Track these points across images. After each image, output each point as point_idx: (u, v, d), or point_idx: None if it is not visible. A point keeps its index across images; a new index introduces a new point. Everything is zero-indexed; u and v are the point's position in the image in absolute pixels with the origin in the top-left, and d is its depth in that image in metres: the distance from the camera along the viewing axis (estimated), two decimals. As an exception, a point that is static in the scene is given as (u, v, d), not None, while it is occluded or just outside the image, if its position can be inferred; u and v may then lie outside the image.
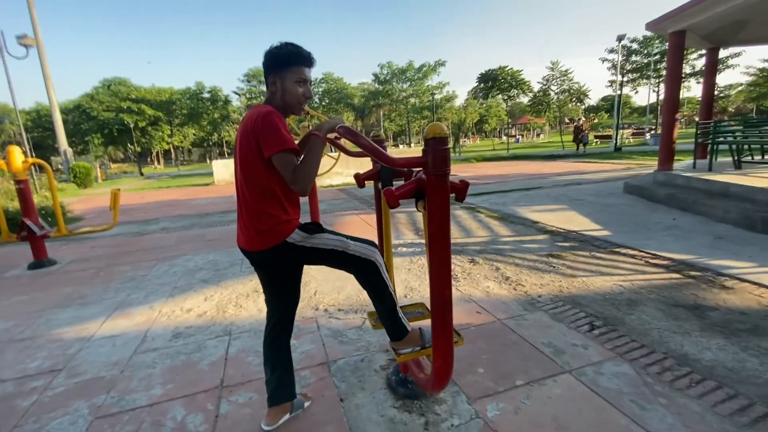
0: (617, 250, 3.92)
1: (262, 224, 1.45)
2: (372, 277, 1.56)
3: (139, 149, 38.23)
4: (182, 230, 6.37)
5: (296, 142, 1.54)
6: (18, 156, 4.34)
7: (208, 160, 49.24)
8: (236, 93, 36.90)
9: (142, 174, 30.21)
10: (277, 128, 1.36)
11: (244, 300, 3.14)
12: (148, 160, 48.44)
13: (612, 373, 1.95)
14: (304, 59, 1.48)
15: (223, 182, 15.15)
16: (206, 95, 42.20)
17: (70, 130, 34.50)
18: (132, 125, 33.87)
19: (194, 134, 45.90)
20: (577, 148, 21.18)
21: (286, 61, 1.46)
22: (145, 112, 37.49)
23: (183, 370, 2.19)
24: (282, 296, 1.66)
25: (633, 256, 3.70)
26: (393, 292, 1.63)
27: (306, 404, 1.80)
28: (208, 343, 2.47)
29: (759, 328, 2.31)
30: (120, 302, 3.29)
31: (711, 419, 1.61)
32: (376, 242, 1.70)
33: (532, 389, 1.85)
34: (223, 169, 15.53)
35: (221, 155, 50.00)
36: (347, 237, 1.56)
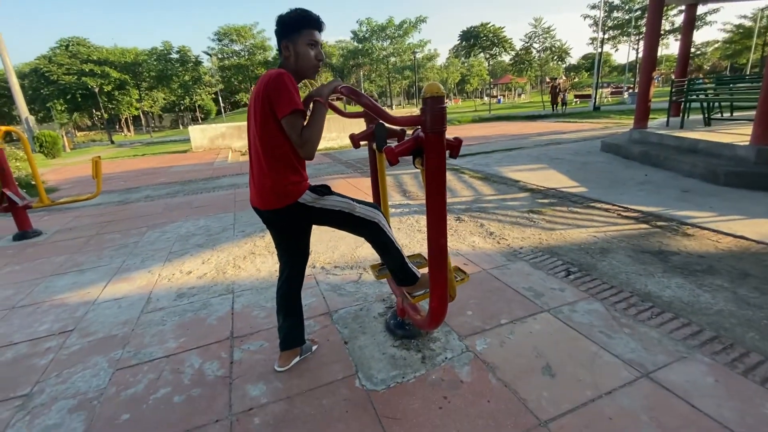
0: (592, 204, 4.17)
1: (276, 184, 1.54)
2: (377, 236, 1.72)
3: (106, 116, 36.25)
4: (167, 198, 6.32)
5: None
6: (-11, 124, 4.16)
7: (180, 126, 47.30)
8: (207, 53, 34.90)
9: (112, 142, 28.89)
10: (288, 90, 1.41)
11: (242, 261, 3.26)
12: (117, 127, 46.05)
13: (585, 310, 2.19)
14: (314, 22, 1.53)
15: (201, 149, 14.73)
16: (175, 56, 39.81)
17: (29, 96, 32.28)
18: (96, 89, 31.89)
19: (164, 98, 43.65)
20: (554, 108, 19.64)
21: (296, 26, 1.51)
22: (109, 75, 35.28)
23: (192, 325, 2.32)
24: (293, 252, 1.78)
25: (607, 210, 3.96)
26: (399, 247, 1.79)
27: (314, 348, 1.98)
28: (212, 301, 2.60)
29: (713, 268, 2.59)
30: (117, 268, 3.35)
31: (667, 343, 1.88)
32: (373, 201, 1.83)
33: (515, 326, 2.08)
34: (200, 135, 15.05)
35: (194, 120, 48.00)
36: (353, 200, 1.69)
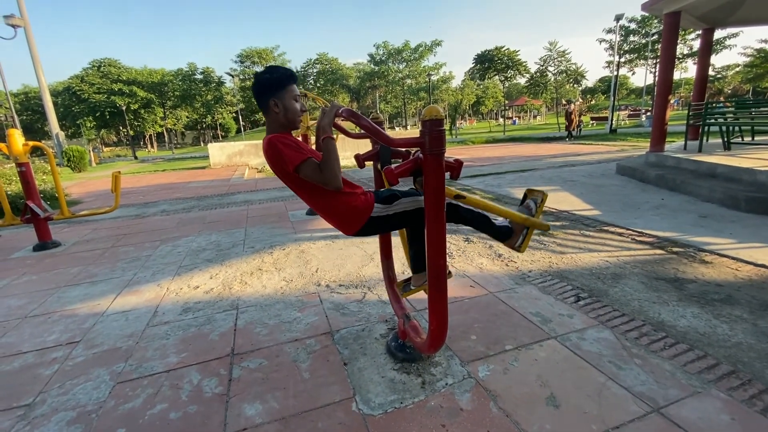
0: (606, 228, 4.08)
1: (343, 214, 1.68)
2: (456, 213, 1.82)
3: (132, 132, 37.75)
4: (182, 213, 6.46)
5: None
6: (19, 139, 4.38)
7: (202, 143, 48.80)
8: (230, 74, 36.25)
9: (136, 157, 29.94)
10: (286, 149, 1.54)
11: (249, 277, 3.28)
12: (141, 143, 47.82)
13: (594, 338, 2.12)
14: (295, 78, 1.65)
15: (219, 165, 15.13)
16: (199, 76, 41.49)
17: (61, 113, 33.95)
18: (124, 108, 33.35)
19: (187, 117, 45.28)
20: (570, 135, 18.17)
21: (282, 83, 1.62)
22: (137, 94, 36.90)
23: (195, 341, 2.33)
24: (402, 226, 1.87)
25: (620, 234, 3.86)
26: (478, 213, 1.87)
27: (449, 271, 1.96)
28: (216, 317, 2.61)
29: (732, 297, 2.48)
30: (128, 280, 3.41)
31: (680, 376, 1.78)
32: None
33: (520, 353, 2.02)
34: (219, 152, 15.48)
35: (215, 138, 49.50)
36: (413, 191, 1.79)
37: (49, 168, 10.33)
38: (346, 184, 1.72)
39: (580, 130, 19.26)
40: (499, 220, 1.93)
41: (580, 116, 19.05)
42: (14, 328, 2.65)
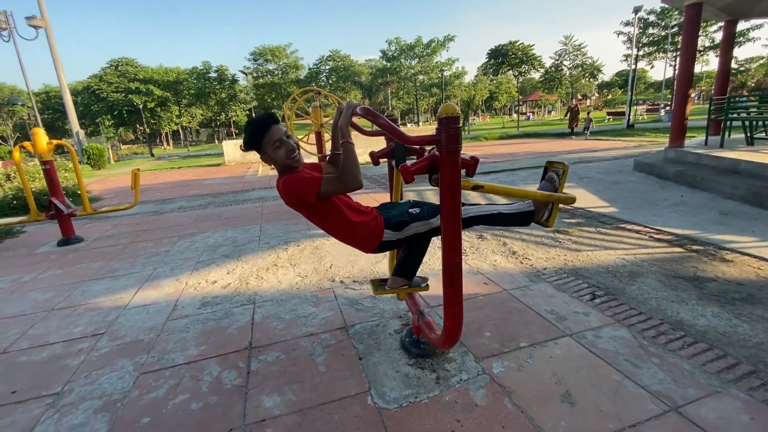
0: (623, 225, 4.02)
1: (357, 240, 1.77)
2: (470, 221, 1.85)
3: (148, 130, 38.49)
4: (199, 209, 6.59)
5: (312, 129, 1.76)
6: (43, 138, 4.52)
7: (216, 141, 49.43)
8: (243, 72, 36.61)
9: (152, 155, 30.54)
10: (298, 186, 1.59)
11: (265, 273, 3.34)
12: (158, 141, 48.72)
13: (610, 336, 2.10)
14: (266, 125, 1.64)
15: (233, 162, 15.33)
16: (213, 75, 42.00)
17: (81, 111, 34.81)
18: (141, 106, 34.02)
19: (202, 114, 45.96)
20: (572, 131, 17.06)
21: (257, 139, 1.64)
22: (153, 93, 37.57)
23: (214, 334, 2.39)
24: (415, 245, 1.92)
25: (638, 232, 3.80)
26: (489, 210, 1.89)
27: (423, 285, 2.02)
28: (234, 311, 2.67)
29: (754, 297, 2.43)
30: (148, 275, 3.51)
31: (699, 376, 1.76)
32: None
33: (535, 350, 2.02)
34: (233, 149, 15.67)
35: (229, 135, 50.09)
36: (426, 211, 1.81)
37: (71, 165, 10.63)
38: (358, 211, 1.78)
39: (587, 131, 16.95)
40: (514, 205, 1.89)
41: (578, 114, 17.47)
42: (41, 320, 2.76)
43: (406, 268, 1.95)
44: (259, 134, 1.64)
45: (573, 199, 1.73)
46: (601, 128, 20.54)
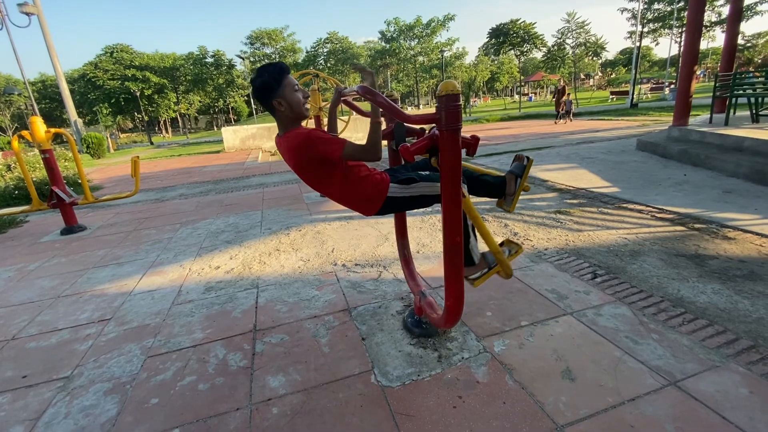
0: (624, 205, 4.00)
1: (360, 196, 1.71)
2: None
3: (146, 118, 38.20)
4: (200, 196, 6.59)
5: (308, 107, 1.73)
6: (41, 126, 4.50)
7: (215, 127, 49.10)
8: (240, 57, 36.05)
9: (152, 143, 30.38)
10: (325, 140, 1.56)
11: (267, 258, 3.36)
12: (156, 129, 48.40)
13: (610, 314, 2.12)
14: (287, 69, 1.63)
15: (232, 149, 15.25)
16: (210, 60, 41.40)
17: (77, 100, 34.51)
18: (138, 93, 33.67)
19: (200, 101, 45.52)
20: (558, 117, 15.21)
21: (278, 80, 1.60)
22: (150, 80, 37.15)
23: (218, 318, 2.42)
24: (420, 207, 1.87)
25: (640, 211, 3.78)
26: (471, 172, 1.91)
27: (514, 250, 1.94)
28: (238, 295, 2.70)
29: (755, 273, 2.43)
30: (152, 262, 3.54)
31: (698, 351, 1.78)
32: None
33: (536, 328, 2.04)
34: (232, 136, 15.57)
35: (227, 122, 49.71)
36: (432, 178, 1.78)
37: (70, 155, 10.60)
38: (362, 166, 1.74)
39: (571, 117, 15.23)
40: (474, 249, 1.87)
41: (563, 96, 15.23)
42: (49, 307, 2.80)
43: (416, 201, 1.83)
44: (278, 75, 1.59)
45: (509, 275, 1.76)
46: (605, 108, 20.26)
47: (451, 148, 1.34)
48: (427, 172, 1.83)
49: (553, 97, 16.26)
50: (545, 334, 1.99)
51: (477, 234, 1.90)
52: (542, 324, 2.07)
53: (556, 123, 14.86)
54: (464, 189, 1.63)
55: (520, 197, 4.64)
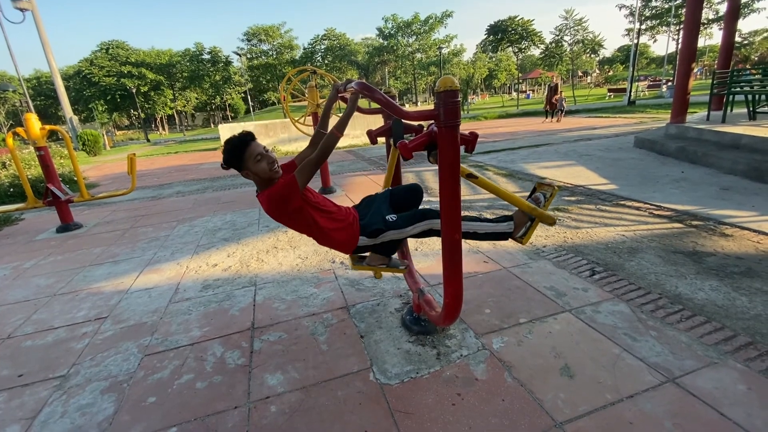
0: (622, 202, 4.01)
1: (335, 244, 1.82)
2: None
3: (143, 115, 37.99)
4: (197, 193, 6.56)
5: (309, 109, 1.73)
6: (36, 123, 4.45)
7: (212, 125, 48.89)
8: (237, 53, 35.83)
9: (148, 140, 30.22)
10: (283, 194, 1.62)
11: (265, 255, 3.34)
12: (153, 126, 48.15)
13: (609, 311, 2.12)
14: (245, 141, 1.64)
15: (230, 146, 15.16)
16: (206, 57, 41.14)
17: (73, 97, 34.22)
18: (134, 90, 33.43)
19: (196, 98, 45.25)
20: (547, 116, 14.91)
21: (238, 155, 1.63)
22: (146, 76, 36.89)
23: (216, 316, 2.41)
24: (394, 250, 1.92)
25: (638, 208, 3.79)
26: (474, 228, 1.84)
27: (402, 267, 1.96)
28: (236, 293, 2.69)
29: (752, 270, 2.44)
30: (149, 260, 3.52)
31: (696, 347, 1.79)
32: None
33: (534, 326, 2.04)
34: (230, 133, 15.42)
35: (224, 119, 49.49)
36: (403, 219, 1.80)
37: (66, 152, 10.53)
38: (335, 219, 1.80)
39: (563, 115, 14.79)
40: (492, 225, 1.85)
41: (562, 97, 14.58)
42: (44, 306, 2.78)
43: (386, 246, 1.88)
44: (239, 150, 1.64)
45: (553, 222, 1.75)
46: (603, 105, 20.28)
47: (450, 145, 1.33)
48: (395, 217, 1.82)
49: (546, 95, 15.50)
50: (544, 331, 1.99)
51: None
52: (541, 321, 2.07)
53: (544, 122, 14.36)
54: (472, 171, 1.64)
55: (519, 195, 4.66)
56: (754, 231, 3.02)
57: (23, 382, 1.94)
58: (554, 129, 11.95)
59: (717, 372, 1.62)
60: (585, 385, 1.60)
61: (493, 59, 45.79)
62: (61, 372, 1.99)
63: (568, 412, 1.48)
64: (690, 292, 2.25)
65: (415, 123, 1.93)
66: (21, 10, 14.98)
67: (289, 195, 1.62)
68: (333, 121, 1.81)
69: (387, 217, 1.82)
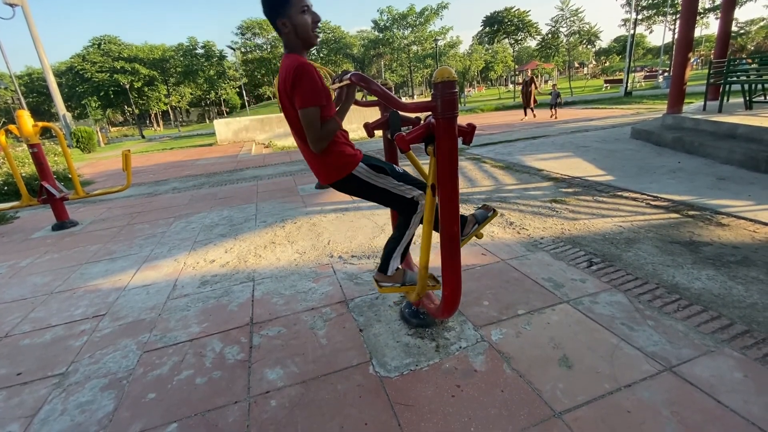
0: (619, 193, 4.01)
1: (332, 160, 1.64)
2: (404, 213, 1.79)
3: (137, 111, 37.64)
4: (193, 190, 6.52)
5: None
6: (28, 120, 4.40)
7: (207, 120, 48.52)
8: (231, 47, 35.46)
9: (143, 136, 29.99)
10: (312, 80, 1.43)
11: (262, 250, 3.33)
12: (147, 122, 47.76)
13: (606, 301, 2.13)
14: None
15: (225, 141, 15.08)
16: (200, 51, 40.72)
17: (66, 93, 33.85)
18: (127, 86, 33.08)
19: (191, 93, 44.85)
20: (526, 112, 13.91)
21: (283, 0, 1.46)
22: (139, 72, 36.49)
23: (215, 312, 2.41)
24: (377, 200, 1.83)
25: (635, 199, 3.80)
26: (407, 235, 1.81)
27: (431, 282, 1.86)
28: (234, 289, 2.68)
29: (749, 259, 2.46)
30: (146, 256, 3.50)
31: (693, 336, 1.80)
32: None
33: (533, 317, 2.04)
34: (225, 128, 15.39)
35: (220, 114, 49.11)
36: (405, 179, 1.76)
37: (60, 149, 10.43)
38: (345, 139, 1.69)
39: (556, 110, 13.78)
40: (395, 261, 1.86)
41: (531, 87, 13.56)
42: (42, 304, 2.76)
43: (388, 250, 1.82)
44: None
45: (481, 236, 2.01)
46: (599, 96, 20.25)
47: (447, 137, 1.32)
48: (404, 171, 1.80)
49: (522, 89, 14.46)
50: (542, 322, 1.99)
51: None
52: (539, 312, 2.08)
53: (523, 119, 13.39)
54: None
55: (516, 187, 4.66)
56: (751, 220, 3.04)
57: (22, 381, 1.93)
58: (551, 121, 11.93)
59: (714, 360, 1.64)
60: (583, 375, 1.61)
61: (490, 51, 45.54)
62: (59, 370, 1.99)
63: (567, 401, 1.49)
64: (687, 282, 2.26)
65: (413, 115, 1.92)
66: (11, 5, 14.74)
67: (309, 95, 1.43)
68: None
69: (395, 167, 1.78)
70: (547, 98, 15.18)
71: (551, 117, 13.20)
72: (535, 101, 13.75)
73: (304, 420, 1.52)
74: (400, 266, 1.88)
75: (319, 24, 1.53)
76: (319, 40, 1.55)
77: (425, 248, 1.63)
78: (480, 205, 2.10)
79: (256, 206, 4.90)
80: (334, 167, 1.67)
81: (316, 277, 2.73)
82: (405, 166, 1.93)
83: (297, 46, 1.54)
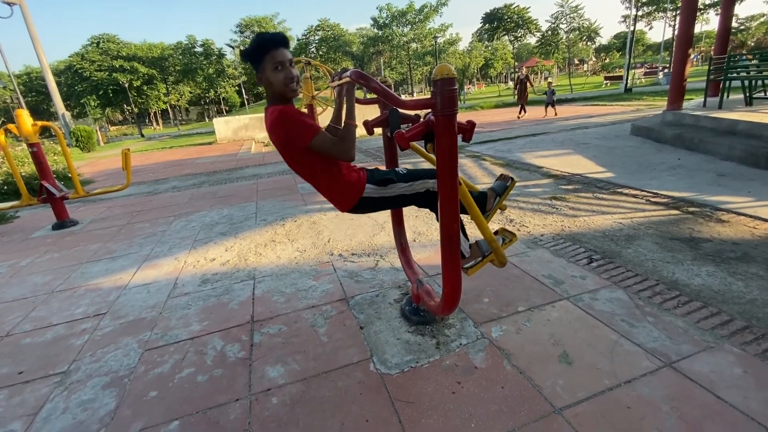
0: (619, 190, 4.01)
1: (339, 192, 1.70)
2: (431, 203, 1.80)
3: (136, 110, 37.58)
4: (193, 188, 6.52)
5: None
6: (27, 120, 4.39)
7: (206, 119, 48.46)
8: (230, 46, 35.37)
9: (142, 135, 29.95)
10: (297, 124, 1.49)
11: (263, 249, 3.34)
12: (147, 121, 47.69)
13: (606, 298, 2.13)
14: (270, 43, 1.50)
15: (225, 140, 15.07)
16: (199, 49, 40.63)
17: (65, 92, 33.76)
18: (126, 85, 33.02)
19: (190, 92, 44.76)
20: (521, 111, 13.14)
21: (258, 54, 1.50)
22: (138, 71, 36.42)
23: (215, 310, 2.41)
24: (399, 205, 1.87)
25: (635, 196, 3.80)
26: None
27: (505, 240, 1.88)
28: (234, 287, 2.69)
29: (748, 255, 2.46)
30: (146, 255, 3.50)
31: (693, 332, 1.80)
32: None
33: (533, 314, 2.05)
34: (224, 127, 15.38)
35: (219, 113, 49.02)
36: (414, 173, 1.77)
37: (59, 149, 10.41)
38: (347, 168, 1.72)
39: (554, 108, 13.05)
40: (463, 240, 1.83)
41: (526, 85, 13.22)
42: (43, 303, 2.77)
43: (394, 200, 1.81)
44: (263, 49, 1.49)
45: (504, 263, 1.79)
46: (599, 93, 20.21)
47: (447, 134, 1.32)
48: (406, 170, 1.80)
49: (516, 88, 14.06)
50: (542, 319, 2.00)
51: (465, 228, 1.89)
52: (539, 309, 2.08)
53: (520, 117, 12.92)
54: (460, 176, 1.60)
55: (518, 184, 4.66)
56: (750, 216, 3.04)
57: (24, 380, 1.94)
58: (550, 118, 11.91)
59: (713, 356, 1.64)
60: (583, 372, 1.62)
61: (489, 48, 45.43)
62: (61, 368, 1.99)
63: (567, 398, 1.49)
64: (687, 278, 2.26)
65: (412, 112, 1.91)
66: (9, 4, 14.70)
67: (304, 132, 1.49)
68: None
69: (397, 170, 1.80)
70: (542, 97, 14.96)
71: (545, 116, 12.97)
72: (526, 98, 13.47)
73: (305, 417, 1.53)
74: (471, 243, 1.87)
75: (295, 80, 1.56)
76: (297, 94, 1.59)
77: (477, 218, 1.64)
78: (497, 177, 2.06)
79: (256, 204, 4.90)
80: (345, 198, 1.72)
81: (317, 275, 2.73)
82: (403, 163, 1.93)
83: (276, 98, 1.59)
